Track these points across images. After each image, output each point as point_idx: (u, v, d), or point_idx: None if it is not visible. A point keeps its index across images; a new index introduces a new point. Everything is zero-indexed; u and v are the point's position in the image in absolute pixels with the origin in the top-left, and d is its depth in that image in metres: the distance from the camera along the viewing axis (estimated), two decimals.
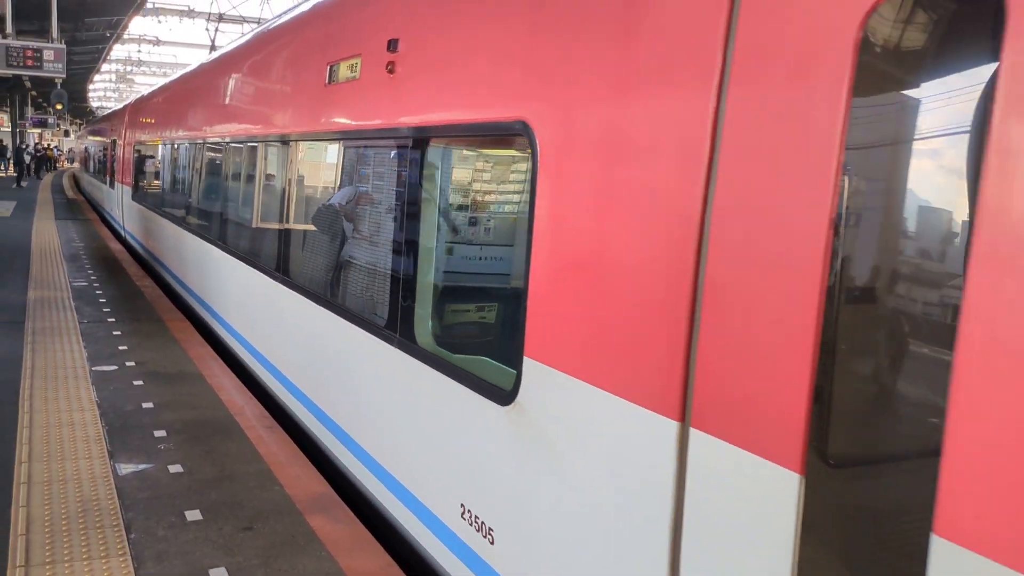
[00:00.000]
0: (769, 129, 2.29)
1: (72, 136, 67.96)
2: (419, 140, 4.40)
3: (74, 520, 4.54)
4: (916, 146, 2.23)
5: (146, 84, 52.26)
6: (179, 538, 4.42)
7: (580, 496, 3.02)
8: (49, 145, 61.44)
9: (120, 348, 8.34)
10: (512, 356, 3.44)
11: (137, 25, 34.28)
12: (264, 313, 7.35)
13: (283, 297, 6.60)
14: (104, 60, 40.81)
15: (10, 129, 45.56)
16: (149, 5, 26.06)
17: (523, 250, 3.37)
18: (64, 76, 15.72)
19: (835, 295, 2.22)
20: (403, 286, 4.53)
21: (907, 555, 1.99)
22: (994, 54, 1.82)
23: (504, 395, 3.48)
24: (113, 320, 9.66)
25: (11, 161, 46.09)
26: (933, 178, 2.22)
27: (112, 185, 20.63)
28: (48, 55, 15.06)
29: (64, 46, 15.13)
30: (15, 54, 14.94)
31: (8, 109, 44.87)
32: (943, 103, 2.16)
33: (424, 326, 4.41)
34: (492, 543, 3.60)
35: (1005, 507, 1.74)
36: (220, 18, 24.57)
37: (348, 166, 5.95)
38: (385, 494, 4.73)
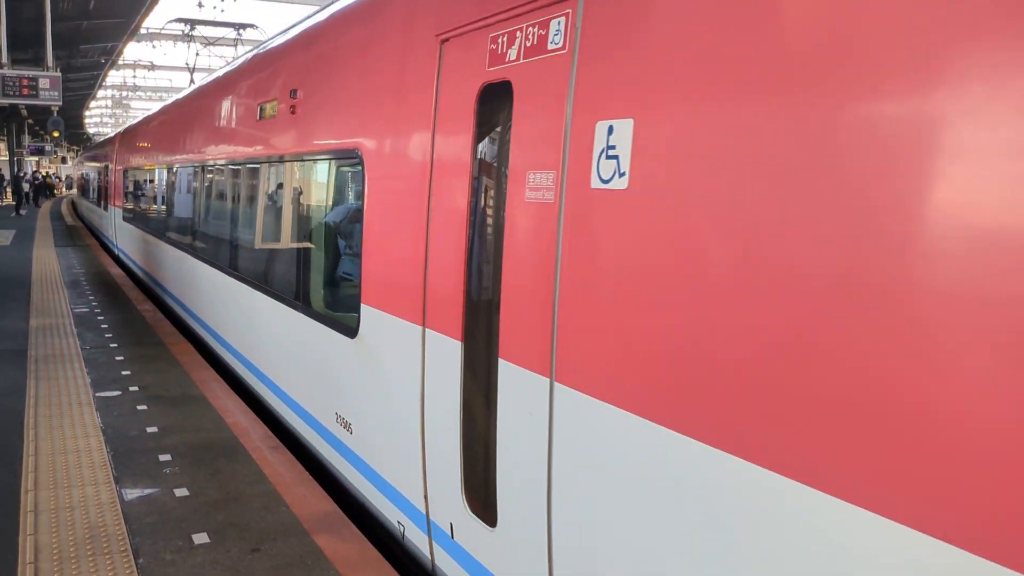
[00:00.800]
0: (451, 156, 4.00)
1: (69, 163, 68.07)
2: (307, 160, 6.33)
3: (82, 547, 4.55)
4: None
5: (142, 108, 52.45)
6: (187, 562, 4.43)
7: (396, 393, 4.60)
8: (47, 173, 61.60)
9: (123, 373, 8.36)
10: (358, 306, 5.15)
11: (132, 51, 34.43)
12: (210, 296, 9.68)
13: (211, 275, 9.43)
14: (99, 86, 40.95)
15: (7, 158, 45.68)
16: (143, 31, 26.15)
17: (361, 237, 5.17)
18: (60, 104, 15.79)
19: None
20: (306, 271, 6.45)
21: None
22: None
23: (352, 332, 5.23)
24: (115, 345, 9.68)
25: (7, 190, 46.24)
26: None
27: (106, 208, 22.34)
28: (44, 83, 15.14)
29: (59, 74, 15.21)
30: (11, 84, 15.02)
31: (5, 138, 44.97)
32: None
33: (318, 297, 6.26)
34: (351, 433, 5.37)
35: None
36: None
37: (286, 184, 7.33)
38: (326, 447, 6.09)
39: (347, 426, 5.46)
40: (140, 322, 11.20)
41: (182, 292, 11.57)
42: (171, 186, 12.72)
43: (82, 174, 38.23)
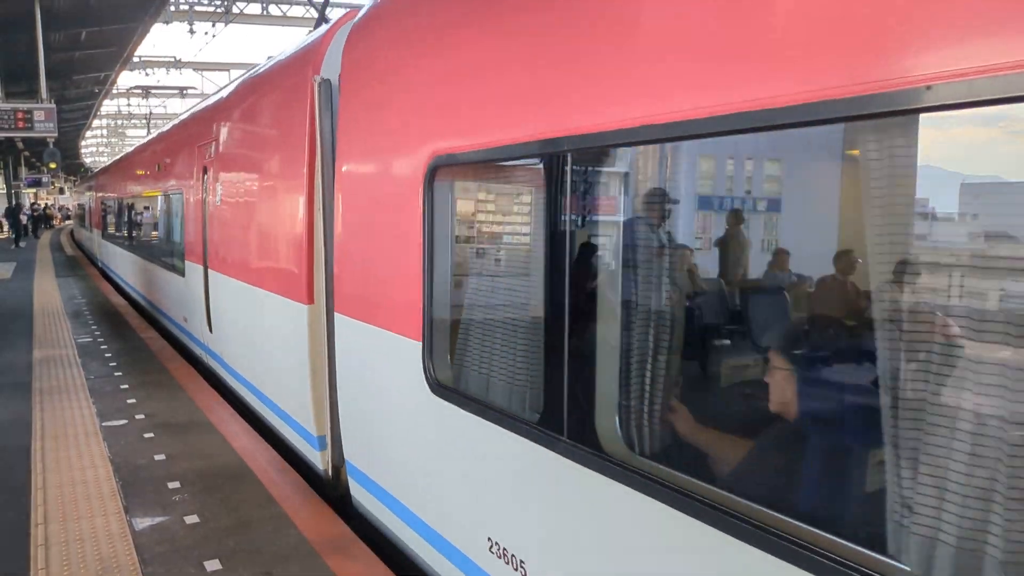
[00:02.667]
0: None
1: (67, 193, 68.16)
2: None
3: None
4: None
5: (138, 136, 52.59)
6: None
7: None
8: (46, 204, 61.64)
9: (128, 402, 8.36)
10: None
11: (125, 78, 34.58)
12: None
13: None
14: (94, 116, 41.07)
15: (5, 191, 45.78)
16: (135, 59, 26.26)
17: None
18: (56, 135, 15.84)
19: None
20: None
21: None
22: None
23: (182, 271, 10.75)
24: (120, 374, 9.68)
25: (3, 223, 46.31)
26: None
27: (91, 229, 29.38)
28: (39, 115, 15.18)
29: (54, 105, 15.26)
30: (6, 117, 15.06)
31: (2, 171, 45.05)
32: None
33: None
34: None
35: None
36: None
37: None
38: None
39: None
40: (143, 349, 11.21)
41: (124, 272, 18.58)
42: (123, 210, 18.54)
43: (78, 204, 42.88)
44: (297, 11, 26.20)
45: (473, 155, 3.74)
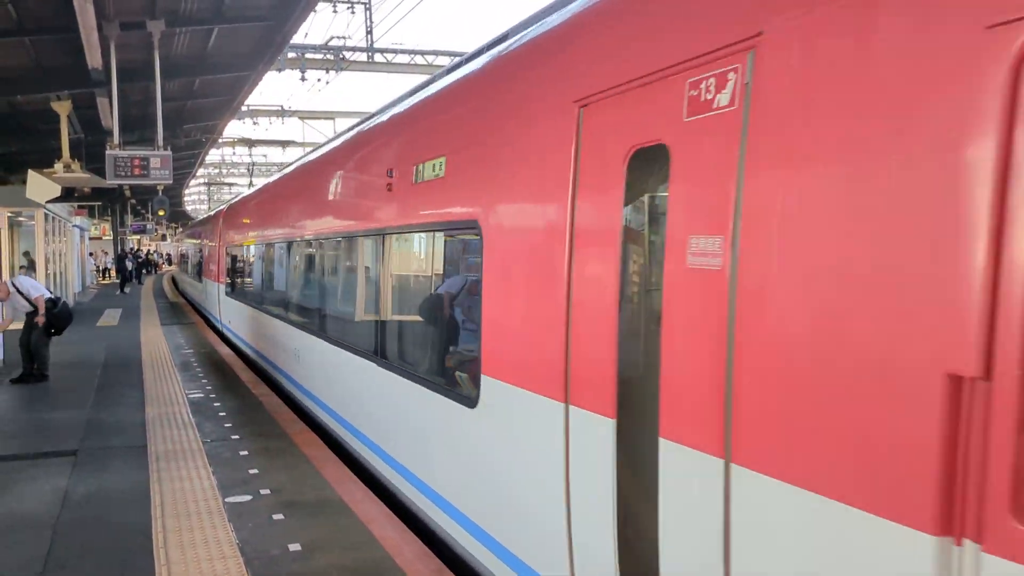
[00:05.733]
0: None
1: (169, 240, 70.01)
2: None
3: None
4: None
5: (242, 185, 53.61)
6: None
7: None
8: (149, 251, 63.26)
9: (250, 472, 7.62)
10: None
11: (229, 127, 35.07)
12: None
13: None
14: (200, 164, 41.89)
15: (112, 237, 46.95)
16: (243, 108, 26.45)
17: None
18: (170, 182, 15.63)
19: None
20: None
21: None
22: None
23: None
24: (237, 437, 9.00)
25: (111, 268, 47.44)
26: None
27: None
28: (155, 163, 14.96)
29: (170, 153, 15.06)
30: (122, 164, 14.88)
31: (109, 218, 46.26)
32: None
33: None
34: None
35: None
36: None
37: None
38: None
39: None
40: (258, 408, 10.54)
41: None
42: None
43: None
44: (402, 59, 26.07)
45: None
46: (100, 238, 49.97)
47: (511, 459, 4.51)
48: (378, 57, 25.97)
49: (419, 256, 6.80)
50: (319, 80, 22.35)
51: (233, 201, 21.39)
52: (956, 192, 2.12)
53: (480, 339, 4.83)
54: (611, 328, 3.54)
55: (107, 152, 15.05)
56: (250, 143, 34.92)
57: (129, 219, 52.13)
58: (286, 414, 10.17)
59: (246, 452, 8.35)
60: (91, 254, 46.17)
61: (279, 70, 20.77)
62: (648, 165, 3.51)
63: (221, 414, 10.22)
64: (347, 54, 24.45)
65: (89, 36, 13.21)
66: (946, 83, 2.18)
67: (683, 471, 3.09)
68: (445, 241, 5.98)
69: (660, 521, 3.21)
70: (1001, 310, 2.01)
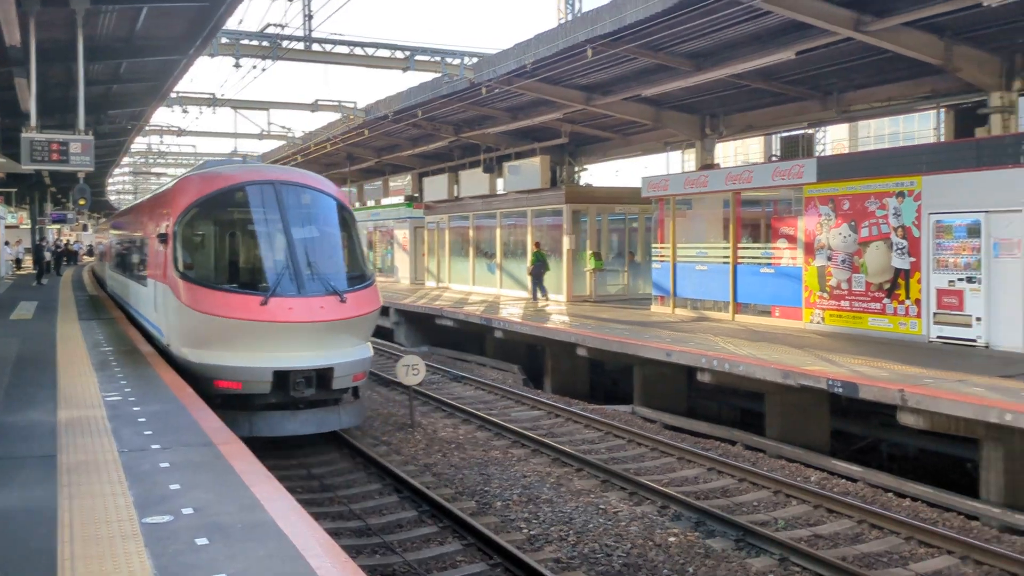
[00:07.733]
0: None
1: (90, 230, 67.53)
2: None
3: None
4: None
5: (168, 175, 51.95)
6: None
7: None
8: (68, 241, 60.89)
9: (171, 487, 6.96)
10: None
11: (159, 116, 33.82)
12: None
13: None
14: (124, 153, 40.28)
15: (29, 226, 44.97)
16: (173, 95, 25.32)
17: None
18: (91, 169, 14.69)
19: None
20: None
21: None
22: None
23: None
24: (157, 447, 8.29)
25: (27, 258, 45.49)
26: None
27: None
28: (75, 148, 14.02)
29: (92, 138, 14.13)
30: (40, 148, 13.93)
31: (28, 206, 44.27)
32: None
33: None
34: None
35: None
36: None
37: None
38: None
39: None
40: (182, 414, 9.80)
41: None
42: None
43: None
44: (342, 49, 25.28)
45: None
46: (17, 227, 47.86)
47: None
48: (315, 47, 25.16)
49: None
50: (254, 67, 21.45)
51: (119, 210, 39.15)
52: None
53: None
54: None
55: (23, 135, 14.07)
56: (179, 132, 33.63)
57: (49, 207, 50.00)
58: (212, 420, 9.47)
59: (167, 464, 7.66)
60: (7, 243, 44.13)
61: (211, 55, 19.83)
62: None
63: (141, 419, 9.47)
64: (284, 43, 23.58)
65: (6, 11, 12.26)
66: None
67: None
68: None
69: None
70: None
